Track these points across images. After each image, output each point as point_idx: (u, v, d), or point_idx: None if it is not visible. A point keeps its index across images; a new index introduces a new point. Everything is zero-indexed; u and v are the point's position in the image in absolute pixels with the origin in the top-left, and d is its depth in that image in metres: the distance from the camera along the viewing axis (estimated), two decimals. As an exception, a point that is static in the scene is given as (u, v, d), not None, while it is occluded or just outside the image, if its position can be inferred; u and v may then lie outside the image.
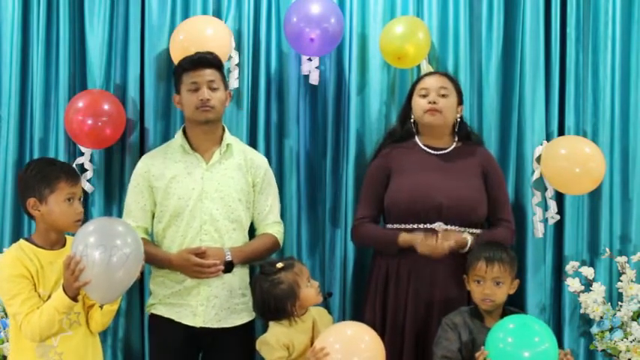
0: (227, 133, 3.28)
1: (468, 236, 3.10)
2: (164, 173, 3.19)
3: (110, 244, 2.52)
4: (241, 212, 3.20)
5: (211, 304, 3.11)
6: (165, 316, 3.14)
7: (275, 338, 2.83)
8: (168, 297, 3.15)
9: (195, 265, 3.05)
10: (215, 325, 3.11)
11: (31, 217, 2.77)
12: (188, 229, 3.13)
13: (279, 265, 2.92)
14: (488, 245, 2.99)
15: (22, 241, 2.74)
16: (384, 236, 3.22)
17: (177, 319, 3.12)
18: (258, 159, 3.33)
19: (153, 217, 3.23)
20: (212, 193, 3.15)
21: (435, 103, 3.19)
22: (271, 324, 2.91)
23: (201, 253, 3.07)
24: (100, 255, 2.51)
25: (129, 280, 2.61)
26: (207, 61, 3.19)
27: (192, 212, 3.13)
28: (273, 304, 2.87)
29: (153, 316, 3.22)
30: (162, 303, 3.17)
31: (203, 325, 3.10)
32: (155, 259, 3.16)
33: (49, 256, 2.70)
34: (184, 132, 3.26)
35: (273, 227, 3.30)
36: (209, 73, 3.17)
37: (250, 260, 3.20)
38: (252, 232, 3.34)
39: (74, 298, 2.58)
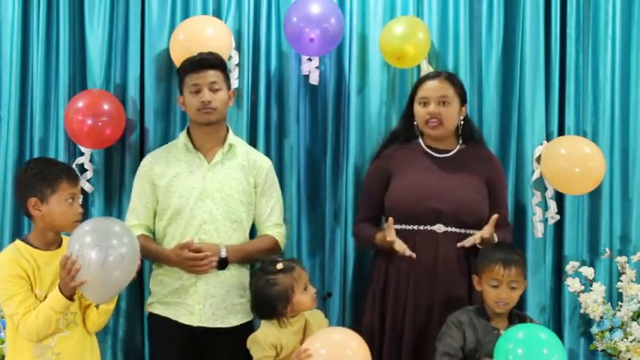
0: (231, 134, 3.28)
1: (495, 236, 3.08)
2: (166, 172, 3.20)
3: (106, 244, 2.52)
4: (242, 213, 3.20)
5: (208, 303, 3.11)
6: (163, 315, 3.15)
7: (264, 337, 2.84)
8: (166, 296, 3.16)
9: (188, 259, 3.06)
10: (212, 325, 3.11)
11: (29, 216, 2.76)
12: (188, 227, 3.14)
13: (280, 266, 2.91)
14: (500, 247, 2.97)
15: (17, 242, 2.74)
16: (367, 236, 3.24)
17: (174, 318, 3.12)
18: (261, 160, 3.32)
19: (155, 215, 3.24)
20: (213, 193, 3.16)
21: (435, 113, 3.16)
22: (262, 322, 2.91)
23: (195, 250, 3.07)
24: (96, 255, 2.50)
25: (125, 280, 2.61)
26: (208, 62, 3.19)
27: (192, 211, 3.13)
28: (265, 302, 2.87)
29: (151, 316, 3.23)
30: (160, 302, 3.18)
31: (200, 325, 3.11)
32: (155, 256, 3.20)
33: (45, 256, 2.70)
34: (188, 132, 3.27)
35: (273, 229, 3.28)
36: (211, 75, 3.17)
37: (247, 260, 3.21)
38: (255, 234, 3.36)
39: (70, 298, 2.58)
